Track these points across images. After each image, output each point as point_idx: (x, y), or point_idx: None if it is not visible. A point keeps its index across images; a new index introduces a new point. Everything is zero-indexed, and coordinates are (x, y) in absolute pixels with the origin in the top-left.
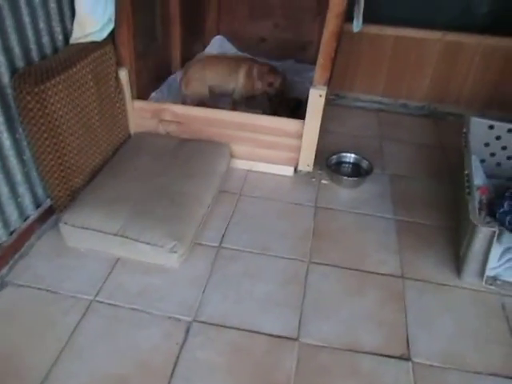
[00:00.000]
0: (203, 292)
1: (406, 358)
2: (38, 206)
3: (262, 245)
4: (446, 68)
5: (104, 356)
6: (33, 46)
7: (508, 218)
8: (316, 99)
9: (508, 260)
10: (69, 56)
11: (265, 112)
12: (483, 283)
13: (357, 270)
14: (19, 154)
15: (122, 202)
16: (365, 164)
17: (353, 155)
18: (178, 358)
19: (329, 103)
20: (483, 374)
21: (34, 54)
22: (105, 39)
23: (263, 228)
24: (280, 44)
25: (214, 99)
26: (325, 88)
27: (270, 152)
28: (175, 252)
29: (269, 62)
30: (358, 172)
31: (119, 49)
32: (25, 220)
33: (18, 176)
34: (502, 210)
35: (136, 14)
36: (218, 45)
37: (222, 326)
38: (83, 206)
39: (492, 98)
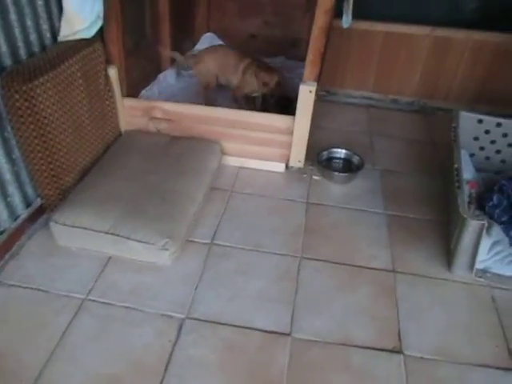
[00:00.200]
0: (195, 289)
1: (397, 351)
2: (28, 205)
3: (254, 241)
4: (435, 63)
5: (97, 354)
6: (20, 44)
7: (497, 211)
8: (306, 95)
9: (497, 253)
10: (57, 54)
11: (252, 109)
12: (473, 276)
13: (348, 264)
14: (8, 152)
15: (113, 201)
16: (356, 159)
17: (344, 151)
18: (170, 355)
19: (319, 99)
20: (474, 366)
21: (22, 52)
22: (94, 36)
23: (255, 224)
24: (270, 41)
25: (219, 91)
26: (315, 84)
27: (261, 149)
28: (167, 249)
29: (269, 63)
30: (349, 167)
31: (108, 46)
32: (15, 220)
33: (8, 175)
34: (491, 204)
35: (125, 11)
36: (208, 42)
37: (214, 322)
38: (74, 204)
39: (480, 93)
